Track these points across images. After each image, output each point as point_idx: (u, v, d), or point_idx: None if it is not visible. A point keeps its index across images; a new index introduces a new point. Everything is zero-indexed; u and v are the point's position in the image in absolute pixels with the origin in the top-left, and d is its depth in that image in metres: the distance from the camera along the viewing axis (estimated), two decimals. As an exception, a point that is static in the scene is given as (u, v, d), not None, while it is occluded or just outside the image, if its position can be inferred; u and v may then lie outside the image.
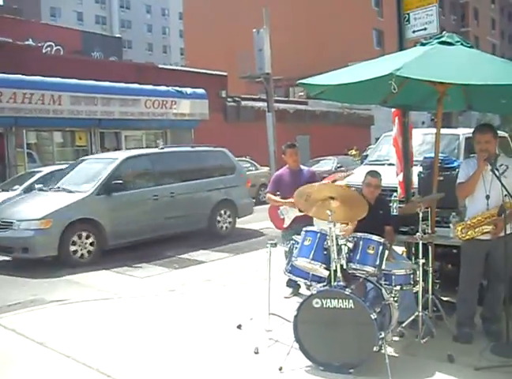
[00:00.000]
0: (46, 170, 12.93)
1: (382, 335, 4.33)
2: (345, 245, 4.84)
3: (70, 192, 10.08)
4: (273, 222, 7.01)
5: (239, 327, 5.62)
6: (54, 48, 25.66)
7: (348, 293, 4.40)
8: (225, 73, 27.40)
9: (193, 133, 20.89)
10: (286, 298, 6.65)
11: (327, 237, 4.76)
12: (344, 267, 4.73)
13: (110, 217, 10.00)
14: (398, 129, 6.79)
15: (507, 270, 4.73)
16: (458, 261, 5.32)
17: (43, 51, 23.30)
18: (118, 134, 19.33)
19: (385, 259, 4.94)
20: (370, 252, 4.83)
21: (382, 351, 4.33)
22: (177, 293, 7.45)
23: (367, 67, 5.30)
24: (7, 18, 25.63)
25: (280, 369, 4.51)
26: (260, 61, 23.11)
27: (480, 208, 4.94)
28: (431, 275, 5.30)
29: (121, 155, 11.28)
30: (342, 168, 20.39)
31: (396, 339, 5.07)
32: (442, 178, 5.95)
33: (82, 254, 9.53)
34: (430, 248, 5.38)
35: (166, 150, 12.11)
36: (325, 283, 4.81)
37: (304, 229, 5.16)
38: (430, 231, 5.52)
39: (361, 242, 4.87)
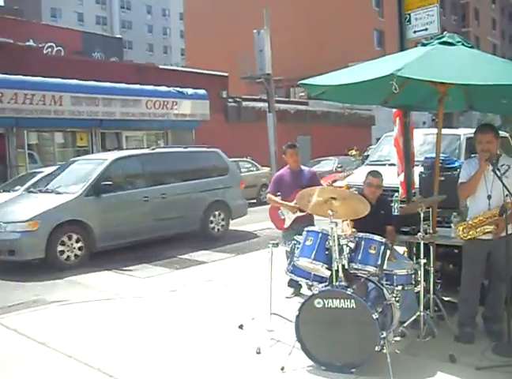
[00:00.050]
0: (47, 170, 12.89)
1: (384, 335, 4.33)
2: (347, 245, 4.85)
3: (59, 193, 9.97)
4: (274, 222, 7.01)
5: (241, 327, 5.63)
6: (55, 49, 25.68)
7: (349, 293, 4.41)
8: (226, 74, 27.40)
9: (194, 133, 20.89)
10: (287, 298, 6.65)
11: (329, 237, 4.77)
12: (346, 267, 4.74)
13: (99, 219, 9.84)
14: (399, 129, 6.81)
15: (508, 270, 4.73)
16: (459, 261, 5.33)
17: (44, 52, 23.28)
18: (119, 135, 19.33)
19: (386, 259, 4.94)
20: (372, 252, 4.83)
21: (384, 351, 4.33)
22: (178, 293, 7.46)
23: (368, 67, 5.31)
24: (8, 19, 25.66)
25: (282, 368, 4.52)
26: (260, 61, 23.11)
27: (482, 208, 4.95)
28: (432, 275, 5.29)
29: (110, 156, 11.13)
30: (339, 169, 20.39)
31: (397, 339, 5.06)
32: (443, 179, 5.96)
33: (70, 256, 9.38)
34: (431, 248, 5.37)
35: (157, 151, 12.00)
36: (326, 283, 4.82)
37: (306, 229, 5.16)
38: (431, 231, 5.53)
39: (363, 242, 4.88)
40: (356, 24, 42.99)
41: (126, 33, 69.91)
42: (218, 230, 12.01)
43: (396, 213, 6.06)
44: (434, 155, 6.08)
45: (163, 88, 19.83)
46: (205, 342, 5.34)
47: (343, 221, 5.49)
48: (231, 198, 12.32)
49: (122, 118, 18.43)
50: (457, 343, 4.99)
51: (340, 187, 7.92)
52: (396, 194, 6.75)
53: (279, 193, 6.92)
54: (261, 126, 23.75)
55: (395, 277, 5.10)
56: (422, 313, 5.07)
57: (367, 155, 12.95)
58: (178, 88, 20.20)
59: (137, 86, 19.20)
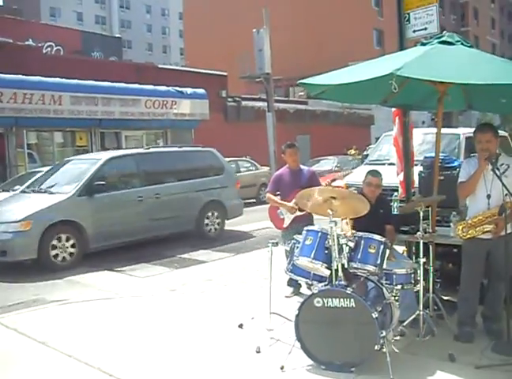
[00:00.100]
0: (46, 170, 12.88)
1: (383, 334, 4.34)
2: (346, 244, 4.86)
3: (52, 193, 9.90)
4: (273, 222, 7.02)
5: (241, 326, 5.64)
6: (55, 48, 25.67)
7: (349, 292, 4.41)
8: (225, 73, 27.41)
9: (193, 133, 20.89)
10: (287, 297, 6.65)
11: (328, 236, 4.78)
12: (346, 266, 4.74)
13: (92, 219, 9.76)
14: (399, 128, 6.81)
15: (508, 269, 4.74)
16: (459, 260, 5.34)
17: (43, 51, 23.28)
18: (119, 134, 19.32)
19: (386, 258, 4.96)
20: (372, 251, 4.84)
21: (384, 350, 4.35)
22: (178, 292, 7.46)
23: (368, 67, 5.31)
24: (7, 18, 25.65)
25: (282, 368, 4.53)
26: (260, 61, 23.14)
27: (481, 207, 4.95)
28: (431, 275, 5.31)
29: (104, 155, 11.05)
30: (337, 168, 20.40)
31: (397, 338, 5.07)
32: (442, 178, 5.96)
33: (63, 257, 9.28)
34: (430, 247, 5.39)
35: (151, 150, 11.94)
36: (326, 283, 4.82)
37: (305, 228, 5.17)
38: (430, 230, 5.53)
39: (362, 241, 4.88)
40: (356, 24, 43.00)
41: (125, 33, 69.88)
42: (213, 230, 11.94)
43: (395, 212, 6.06)
44: (433, 154, 6.09)
45: (163, 88, 19.83)
46: (205, 341, 5.35)
47: (342, 220, 5.50)
48: (227, 198, 12.23)
49: (121, 117, 18.43)
50: (456, 342, 4.99)
51: (339, 187, 7.92)
52: (395, 193, 6.76)
53: (278, 193, 6.92)
54: (260, 126, 23.77)
55: (394, 276, 5.10)
56: (421, 312, 5.07)
57: (367, 155, 12.96)
58: (178, 88, 20.20)
59: (137, 85, 19.21)
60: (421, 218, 5.19)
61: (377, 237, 4.91)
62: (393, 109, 6.91)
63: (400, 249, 6.27)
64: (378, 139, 13.27)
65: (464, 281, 5.14)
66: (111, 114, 18.13)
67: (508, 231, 4.69)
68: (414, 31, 6.58)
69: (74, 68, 18.67)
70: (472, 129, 5.46)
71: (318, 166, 20.58)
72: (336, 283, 4.59)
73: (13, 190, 11.77)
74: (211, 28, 46.76)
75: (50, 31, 27.44)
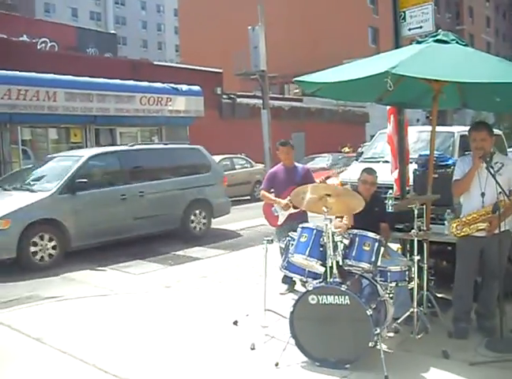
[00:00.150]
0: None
1: (378, 331, 4.37)
2: (341, 241, 4.88)
3: (33, 191, 9.66)
4: (267, 219, 7.03)
5: (235, 323, 5.65)
6: (49, 44, 25.55)
7: (343, 289, 4.43)
8: (220, 70, 27.37)
9: (188, 129, 20.85)
10: (282, 294, 6.67)
11: (323, 233, 4.80)
12: (340, 263, 4.77)
13: (74, 217, 9.55)
14: (393, 126, 6.83)
15: (501, 267, 4.78)
16: (453, 258, 5.37)
17: (38, 47, 23.17)
18: (113, 131, 19.22)
19: (380, 256, 4.97)
20: (366, 248, 4.86)
21: (378, 347, 4.37)
22: (173, 289, 7.47)
23: (363, 65, 5.32)
24: (1, 14, 25.56)
25: (277, 364, 4.54)
26: (255, 58, 23.10)
27: (475, 205, 4.98)
28: (425, 272, 5.33)
29: (87, 152, 10.87)
30: (325, 166, 20.44)
31: (391, 335, 5.11)
32: (437, 176, 5.98)
33: (43, 257, 9.07)
34: (425, 245, 5.41)
35: (136, 147, 11.58)
36: (321, 280, 4.84)
37: (300, 226, 5.19)
38: (425, 228, 5.55)
39: (357, 239, 4.90)
40: (351, 21, 43.01)
41: (120, 29, 69.66)
42: (199, 228, 11.72)
43: (390, 210, 6.09)
44: (428, 152, 6.11)
45: (158, 85, 19.76)
46: (200, 338, 5.36)
47: (336, 217, 5.52)
48: (214, 196, 12.02)
49: (116, 114, 18.35)
50: (450, 339, 5.03)
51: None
52: (390, 191, 6.79)
53: (272, 190, 6.93)
54: (255, 123, 23.75)
55: (389, 274, 5.13)
56: (415, 310, 5.09)
57: (361, 152, 12.98)
58: (173, 85, 20.14)
59: (132, 82, 19.12)
60: (415, 216, 5.21)
61: (371, 234, 4.94)
62: (388, 107, 6.93)
63: (395, 246, 6.30)
64: (372, 137, 13.31)
65: (459, 279, 5.17)
66: (106, 110, 18.06)
67: (502, 229, 4.72)
68: (409, 30, 6.61)
69: (69, 64, 18.59)
70: (467, 128, 5.49)
71: (313, 164, 20.58)
72: (331, 280, 4.61)
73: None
74: (206, 25, 46.67)
75: (45, 27, 27.34)
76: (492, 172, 4.74)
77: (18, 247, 8.77)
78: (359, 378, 4.31)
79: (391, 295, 5.38)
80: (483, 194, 4.92)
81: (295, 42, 42.46)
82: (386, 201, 6.23)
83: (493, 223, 4.83)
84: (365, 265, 4.84)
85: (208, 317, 5.99)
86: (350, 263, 4.85)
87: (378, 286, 4.91)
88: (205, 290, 7.28)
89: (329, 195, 4.77)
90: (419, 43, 5.57)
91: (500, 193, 4.68)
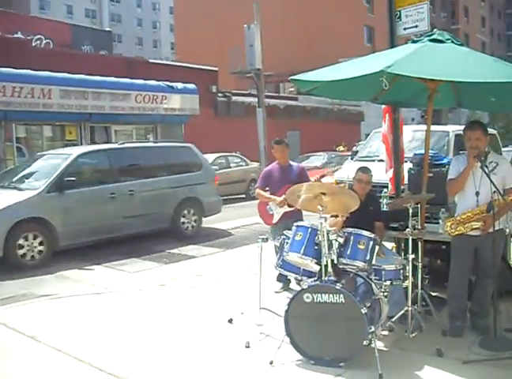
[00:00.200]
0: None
1: (372, 329, 4.38)
2: (336, 240, 4.89)
3: (21, 190, 9.51)
4: (262, 217, 7.03)
5: (230, 321, 5.66)
6: (44, 41, 25.44)
7: (338, 288, 4.44)
8: (216, 68, 27.35)
9: (183, 128, 20.83)
10: (276, 292, 6.68)
11: (318, 232, 4.80)
12: (335, 262, 4.78)
13: (62, 216, 9.40)
14: (388, 125, 6.84)
15: (495, 266, 4.80)
16: (447, 257, 5.39)
17: (33, 44, 23.09)
18: (108, 129, 19.18)
19: (375, 254, 4.99)
20: (361, 247, 4.88)
21: (372, 345, 4.38)
22: (168, 287, 7.47)
23: (359, 64, 5.33)
24: (-4, 11, 25.44)
25: (271, 363, 4.55)
26: (251, 56, 23.08)
27: (470, 204, 5.00)
28: (420, 271, 5.35)
29: (76, 150, 10.67)
30: (318, 165, 20.47)
31: (385, 333, 5.12)
32: (431, 175, 6.00)
33: (31, 256, 8.96)
34: (419, 244, 5.43)
35: (125, 146, 11.47)
36: (315, 278, 4.85)
37: (295, 224, 5.20)
38: (419, 227, 5.57)
39: (352, 238, 4.92)
40: (347, 20, 43.06)
41: (115, 26, 69.57)
42: (190, 227, 11.61)
43: (385, 209, 6.10)
44: (423, 151, 6.13)
45: (153, 82, 19.72)
46: (195, 336, 5.36)
47: (331, 216, 5.53)
48: (204, 195, 11.90)
49: (111, 111, 18.30)
50: (444, 337, 5.05)
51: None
52: (385, 190, 6.81)
53: (267, 189, 6.94)
54: (250, 121, 23.74)
55: (383, 272, 5.15)
56: (410, 308, 5.10)
57: (356, 151, 13.00)
58: (168, 83, 20.11)
59: (127, 80, 19.08)
60: (410, 215, 5.23)
61: (366, 233, 4.95)
62: (383, 106, 6.94)
63: (390, 245, 6.32)
64: (367, 135, 13.33)
65: (453, 277, 5.19)
66: (101, 108, 18.00)
67: (496, 228, 4.74)
68: (405, 29, 6.61)
69: (64, 61, 18.55)
70: (462, 127, 5.50)
71: (308, 163, 20.64)
72: (326, 278, 4.62)
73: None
74: (202, 23, 46.62)
75: (40, 25, 27.20)
76: (487, 171, 4.76)
77: (5, 246, 8.66)
78: (353, 376, 4.32)
79: (386, 294, 5.39)
80: (477, 193, 4.94)
81: (290, 40, 42.46)
82: (381, 200, 6.25)
83: (487, 222, 4.85)
84: (360, 264, 4.85)
85: (203, 315, 5.99)
86: (345, 261, 4.87)
87: (373, 284, 4.92)
88: (200, 289, 7.28)
89: (324, 193, 4.78)
90: (414, 42, 5.59)
91: (494, 192, 4.69)
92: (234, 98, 28.25)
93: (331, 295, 4.45)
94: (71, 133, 18.26)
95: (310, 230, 4.98)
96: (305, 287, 4.63)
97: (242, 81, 31.89)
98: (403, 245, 5.94)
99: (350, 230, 5.01)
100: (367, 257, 4.87)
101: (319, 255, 4.77)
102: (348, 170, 9.12)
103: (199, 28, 46.73)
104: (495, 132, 11.50)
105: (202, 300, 6.68)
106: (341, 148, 25.94)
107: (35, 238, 9.04)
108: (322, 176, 7.07)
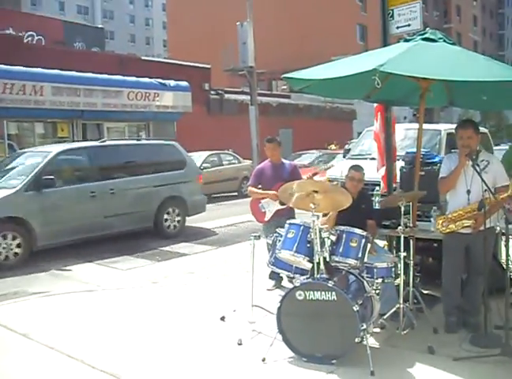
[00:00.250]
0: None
1: (364, 326, 4.40)
2: (328, 238, 4.91)
3: None
4: (255, 215, 7.04)
5: (223, 319, 5.66)
6: (36, 38, 25.36)
7: (330, 285, 4.46)
8: (208, 66, 27.31)
9: (175, 125, 20.82)
10: (269, 290, 6.69)
11: (310, 230, 4.82)
12: (327, 259, 4.80)
13: (40, 215, 9.16)
14: (380, 124, 6.86)
15: (486, 263, 4.83)
16: (439, 255, 5.43)
17: (24, 41, 22.98)
18: (101, 126, 19.15)
19: (367, 252, 5.01)
20: (353, 245, 4.90)
21: (364, 343, 4.41)
22: (160, 285, 7.47)
23: (352, 62, 5.35)
24: (-13, 7, 25.31)
25: (264, 360, 4.57)
26: (243, 54, 23.06)
27: (461, 202, 5.03)
28: (412, 269, 5.37)
29: (55, 148, 10.35)
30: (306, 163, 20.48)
31: (377, 330, 5.15)
32: (423, 173, 6.02)
33: (7, 256, 8.72)
34: (411, 241, 5.46)
35: (107, 143, 11.23)
36: (308, 276, 4.86)
37: (288, 222, 5.21)
38: (411, 225, 5.59)
39: (344, 235, 4.94)
40: (339, 18, 43.10)
41: (107, 23, 69.31)
42: (173, 227, 11.43)
43: (377, 207, 6.13)
44: (415, 149, 6.15)
45: (146, 80, 19.70)
46: (187, 333, 5.37)
47: (323, 215, 5.54)
48: (188, 193, 11.69)
49: (103, 109, 18.27)
50: (435, 334, 5.08)
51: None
52: (377, 188, 6.83)
53: (260, 186, 6.94)
54: (243, 119, 23.73)
55: (375, 270, 5.17)
56: (401, 306, 5.14)
57: (349, 149, 13.03)
58: (161, 80, 20.09)
59: (119, 77, 19.04)
60: (402, 213, 5.25)
61: (358, 231, 4.97)
62: (375, 104, 6.96)
63: (382, 243, 6.34)
64: (360, 134, 13.35)
65: (445, 275, 5.22)
66: (93, 105, 17.98)
67: (487, 226, 4.77)
68: (397, 28, 6.63)
69: (56, 58, 18.47)
70: (454, 126, 5.53)
71: (300, 161, 20.63)
72: (318, 276, 4.64)
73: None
74: (194, 21, 46.52)
75: (32, 21, 27.09)
76: (478, 170, 4.79)
77: None
78: (345, 373, 4.34)
79: (377, 291, 5.42)
80: (468, 191, 4.98)
81: (283, 38, 42.46)
82: (373, 198, 6.27)
83: (478, 220, 4.88)
84: (352, 261, 4.87)
85: (195, 313, 6.00)
86: (337, 259, 4.89)
87: (365, 282, 4.94)
88: (193, 286, 7.28)
89: (316, 191, 4.80)
90: (407, 41, 5.60)
91: (486, 190, 4.72)
92: (226, 95, 28.23)
93: (323, 293, 4.47)
94: (63, 130, 18.21)
95: (302, 227, 4.99)
96: (297, 284, 4.64)
97: (234, 79, 31.85)
98: (395, 243, 5.97)
99: (342, 228, 5.03)
100: (359, 255, 4.90)
101: (311, 253, 4.78)
102: (340, 168, 9.14)
103: (192, 26, 46.64)
104: (486, 130, 11.55)
105: (195, 297, 6.69)
106: (333, 146, 25.98)
107: (12, 238, 8.82)
108: (315, 174, 7.08)
